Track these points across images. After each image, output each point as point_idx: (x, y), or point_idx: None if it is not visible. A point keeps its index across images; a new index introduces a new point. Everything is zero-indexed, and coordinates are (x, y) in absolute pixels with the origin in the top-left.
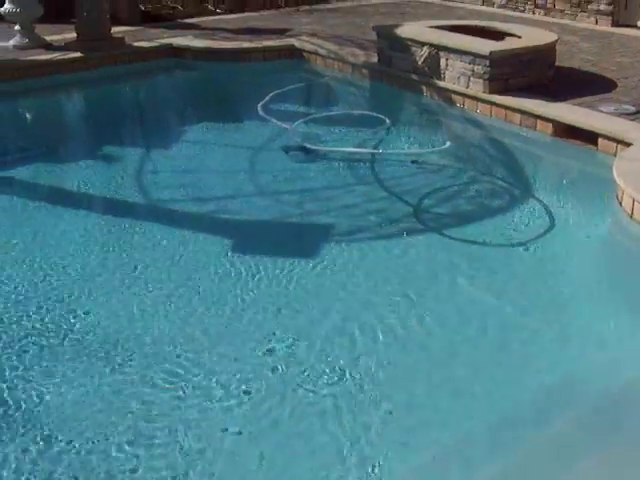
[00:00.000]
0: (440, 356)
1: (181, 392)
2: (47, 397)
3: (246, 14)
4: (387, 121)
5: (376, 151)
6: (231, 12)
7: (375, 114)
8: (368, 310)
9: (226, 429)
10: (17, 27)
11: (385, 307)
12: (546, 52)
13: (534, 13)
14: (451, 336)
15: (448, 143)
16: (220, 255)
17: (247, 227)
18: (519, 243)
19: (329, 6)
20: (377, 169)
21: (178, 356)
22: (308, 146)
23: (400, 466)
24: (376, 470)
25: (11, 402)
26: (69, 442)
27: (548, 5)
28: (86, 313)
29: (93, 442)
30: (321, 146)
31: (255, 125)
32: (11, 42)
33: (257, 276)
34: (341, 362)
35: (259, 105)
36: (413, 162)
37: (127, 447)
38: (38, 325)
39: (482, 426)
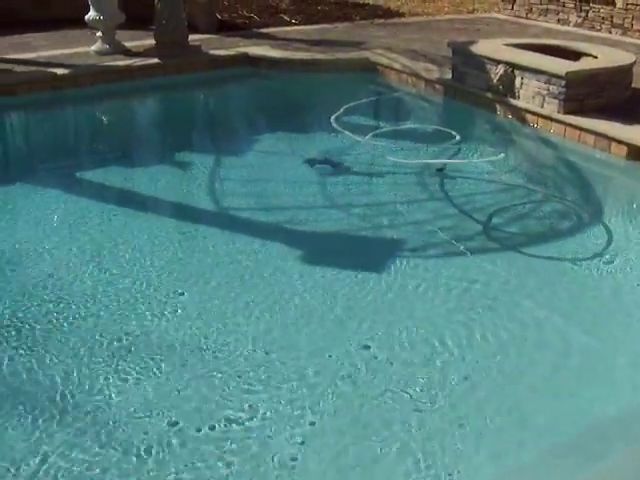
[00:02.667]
0: (502, 377)
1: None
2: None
3: (320, 26)
4: (457, 137)
5: (418, 161)
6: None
7: (446, 129)
8: (437, 326)
9: (314, 422)
10: (99, 33)
11: (455, 323)
12: (623, 73)
13: (610, 32)
14: (517, 356)
15: (502, 155)
16: (288, 265)
17: (316, 238)
18: (586, 266)
19: (404, 20)
20: (446, 185)
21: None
22: (333, 159)
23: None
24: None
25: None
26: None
27: (625, 25)
28: (155, 315)
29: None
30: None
31: (327, 137)
32: (92, 48)
33: (326, 287)
34: (407, 378)
35: (332, 117)
36: (439, 170)
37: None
38: (106, 326)
39: (538, 453)
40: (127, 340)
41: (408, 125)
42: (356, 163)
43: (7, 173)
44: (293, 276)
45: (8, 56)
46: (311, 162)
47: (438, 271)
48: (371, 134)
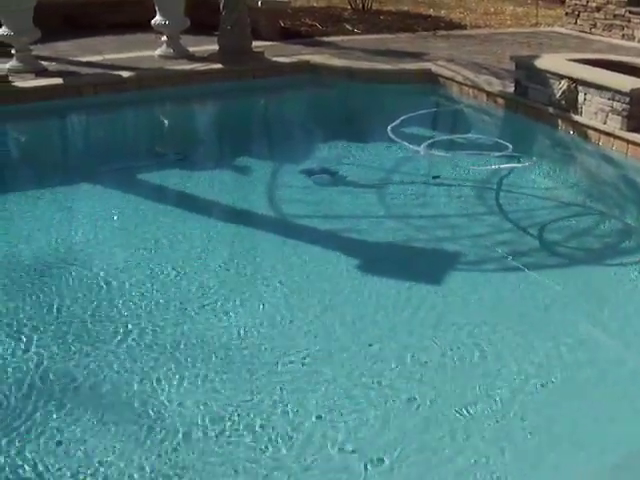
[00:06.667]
0: (554, 399)
1: None
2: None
3: (383, 35)
4: (510, 148)
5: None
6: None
7: (504, 142)
8: (494, 342)
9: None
10: (164, 38)
11: (506, 338)
12: None
13: None
14: (569, 378)
15: (529, 162)
16: (345, 274)
17: (374, 248)
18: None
19: (466, 32)
20: (502, 198)
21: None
22: (331, 169)
23: None
24: None
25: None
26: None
27: None
28: (209, 319)
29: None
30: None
31: (385, 147)
32: (157, 52)
33: (383, 298)
34: (461, 389)
35: (389, 127)
36: (434, 177)
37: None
38: (161, 331)
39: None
40: (181, 342)
41: (465, 136)
42: (407, 173)
43: (70, 172)
44: (348, 283)
45: (76, 58)
46: (308, 172)
47: (491, 285)
48: (425, 144)
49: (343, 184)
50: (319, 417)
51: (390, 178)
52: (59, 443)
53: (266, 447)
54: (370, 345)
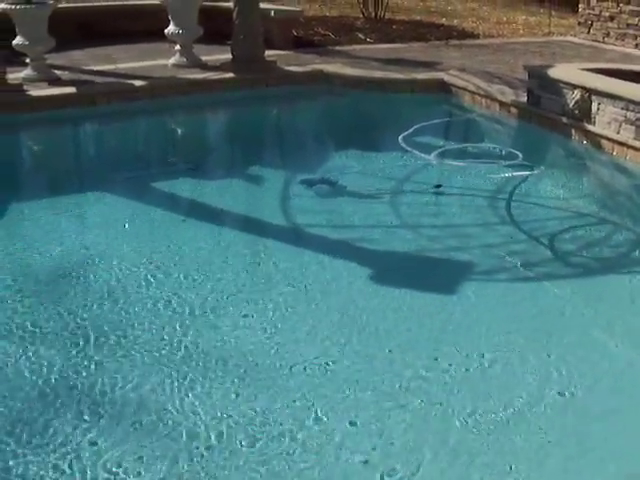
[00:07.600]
0: (576, 411)
1: None
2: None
3: (395, 45)
4: (520, 156)
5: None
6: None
7: (516, 152)
8: (510, 351)
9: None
10: (177, 47)
11: (519, 349)
12: None
13: None
14: (585, 387)
15: (542, 168)
16: (357, 284)
17: (386, 258)
18: None
19: (478, 42)
20: (513, 208)
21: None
22: (331, 178)
23: None
24: None
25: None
26: None
27: None
28: (229, 326)
29: None
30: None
31: (397, 156)
32: (170, 61)
33: (399, 307)
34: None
35: (401, 137)
36: (437, 187)
37: None
38: (171, 340)
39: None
40: (200, 348)
41: (476, 146)
42: (418, 182)
43: (82, 180)
44: (363, 292)
45: (90, 67)
46: (308, 182)
47: (506, 294)
48: (435, 153)
49: (351, 194)
50: (345, 423)
51: (401, 187)
52: (76, 449)
53: (293, 452)
54: (390, 351)
